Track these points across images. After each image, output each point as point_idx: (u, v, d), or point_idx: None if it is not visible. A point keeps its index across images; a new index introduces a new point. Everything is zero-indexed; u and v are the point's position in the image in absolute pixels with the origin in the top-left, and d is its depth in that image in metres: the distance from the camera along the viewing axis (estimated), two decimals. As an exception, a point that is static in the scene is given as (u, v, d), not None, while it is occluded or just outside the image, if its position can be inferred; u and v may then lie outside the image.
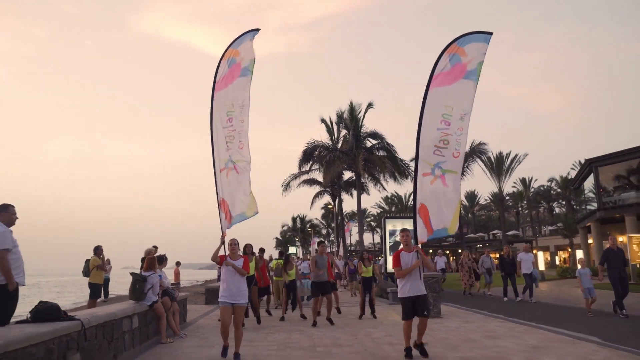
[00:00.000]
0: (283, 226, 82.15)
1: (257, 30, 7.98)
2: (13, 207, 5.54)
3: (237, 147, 7.70)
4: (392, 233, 15.23)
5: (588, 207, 38.51)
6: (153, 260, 8.30)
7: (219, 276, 35.03)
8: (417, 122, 6.93)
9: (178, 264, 18.81)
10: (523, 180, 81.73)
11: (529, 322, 9.61)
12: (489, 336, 7.96)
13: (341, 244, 32.84)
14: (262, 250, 12.43)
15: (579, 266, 11.37)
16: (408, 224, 15.68)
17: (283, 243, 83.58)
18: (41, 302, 5.44)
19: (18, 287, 5.36)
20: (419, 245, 6.73)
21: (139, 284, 7.82)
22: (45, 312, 5.22)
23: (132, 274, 8.05)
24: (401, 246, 6.79)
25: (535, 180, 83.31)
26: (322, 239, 29.29)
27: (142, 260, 12.65)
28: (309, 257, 20.30)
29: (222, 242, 6.92)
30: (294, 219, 78.44)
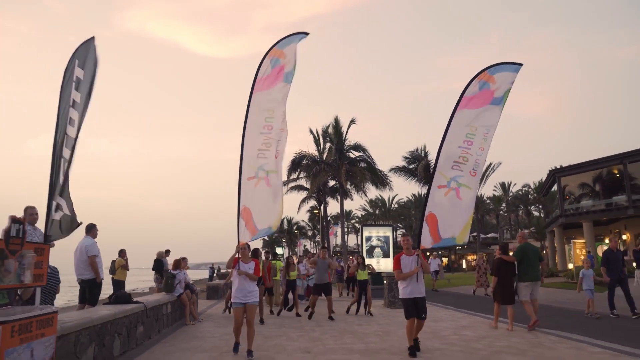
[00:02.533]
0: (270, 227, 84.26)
1: (306, 34, 7.67)
2: (96, 225, 8.02)
3: (274, 156, 7.45)
4: (369, 239, 17.81)
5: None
6: (179, 261, 10.77)
7: (210, 276, 37.43)
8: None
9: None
10: (503, 185, 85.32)
11: (469, 311, 12.25)
12: (434, 320, 10.56)
13: (326, 245, 35.50)
14: (268, 253, 13.65)
15: (583, 267, 11.30)
16: (382, 231, 18.31)
17: (270, 244, 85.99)
18: (115, 292, 7.96)
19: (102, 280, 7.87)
20: (419, 250, 6.98)
21: (170, 280, 10.29)
22: (121, 297, 7.71)
23: (165, 272, 10.51)
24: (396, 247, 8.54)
25: (514, 184, 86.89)
26: (325, 245, 31.49)
27: (155, 261, 15.06)
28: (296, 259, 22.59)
29: (238, 251, 6.97)
30: (281, 221, 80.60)
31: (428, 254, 33.68)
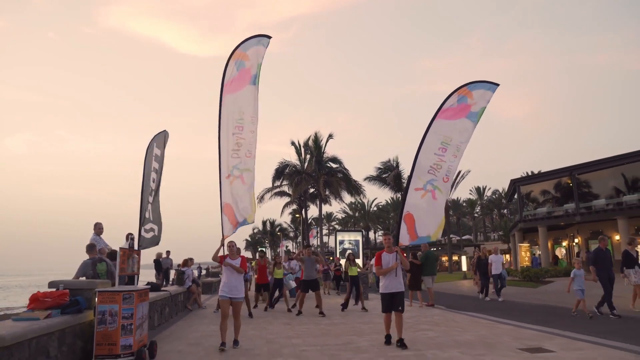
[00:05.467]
0: (254, 229, 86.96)
1: (269, 37, 7.88)
2: (133, 234, 10.85)
3: (245, 156, 7.80)
4: (341, 242, 20.91)
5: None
6: (187, 261, 13.66)
7: (198, 275, 40.03)
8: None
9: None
10: (478, 189, 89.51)
11: (416, 301, 15.35)
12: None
13: (309, 245, 38.61)
14: (263, 252, 15.15)
15: (575, 267, 11.13)
16: (353, 236, 21.42)
17: (253, 244, 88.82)
18: (149, 282, 10.82)
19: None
20: (398, 247, 7.36)
21: (180, 275, 13.17)
22: (154, 287, 10.58)
23: (177, 270, 13.41)
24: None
25: (489, 188, 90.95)
26: (309, 244, 34.23)
27: (155, 261, 17.85)
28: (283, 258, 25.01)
29: (222, 244, 7.41)
30: (264, 223, 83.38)
31: (421, 253, 36.29)
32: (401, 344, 6.97)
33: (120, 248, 6.06)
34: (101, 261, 7.34)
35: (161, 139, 7.95)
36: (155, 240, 7.95)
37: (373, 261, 11.02)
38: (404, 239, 7.56)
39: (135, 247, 7.50)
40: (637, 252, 11.28)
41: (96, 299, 5.78)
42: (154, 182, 7.63)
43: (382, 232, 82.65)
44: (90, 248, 7.51)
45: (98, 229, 8.73)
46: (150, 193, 7.53)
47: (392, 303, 7.14)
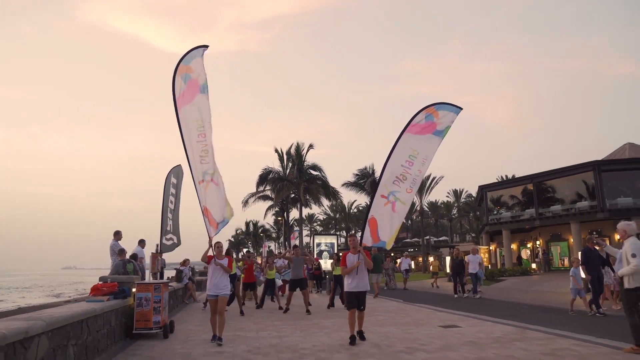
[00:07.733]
0: (237, 230, 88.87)
1: (206, 47, 8.28)
2: (145, 240, 13.14)
3: (212, 160, 8.26)
4: (318, 244, 23.40)
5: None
6: (184, 261, 15.98)
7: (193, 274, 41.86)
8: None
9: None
10: (455, 192, 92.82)
11: (391, 297, 17.88)
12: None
13: (288, 248, 41.02)
14: (249, 252, 16.12)
15: (573, 266, 11.33)
16: (329, 239, 23.92)
17: (236, 245, 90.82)
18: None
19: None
20: (361, 247, 7.75)
21: (179, 273, 15.48)
22: (160, 283, 12.87)
23: (176, 269, 15.73)
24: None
25: (466, 191, 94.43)
26: (296, 244, 35.90)
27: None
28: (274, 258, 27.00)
29: (210, 246, 7.90)
30: (247, 224, 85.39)
31: (393, 254, 38.93)
32: (360, 335, 7.67)
33: (152, 253, 8.43)
34: (129, 262, 9.66)
35: (177, 171, 10.41)
36: (175, 247, 10.37)
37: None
38: (367, 241, 8.07)
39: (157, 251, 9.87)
40: (606, 253, 11.43)
41: (134, 289, 8.14)
42: (171, 203, 10.06)
43: (350, 233, 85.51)
44: (121, 252, 9.85)
45: (118, 236, 11.04)
46: (170, 212, 9.93)
47: (357, 301, 7.53)
